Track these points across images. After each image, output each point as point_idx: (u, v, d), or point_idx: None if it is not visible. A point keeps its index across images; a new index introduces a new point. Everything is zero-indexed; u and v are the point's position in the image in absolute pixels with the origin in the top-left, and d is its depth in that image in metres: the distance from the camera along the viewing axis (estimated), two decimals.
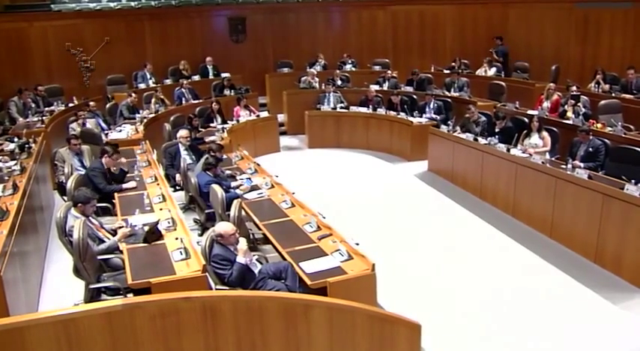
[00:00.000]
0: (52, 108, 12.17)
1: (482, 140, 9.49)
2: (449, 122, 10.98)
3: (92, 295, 5.56)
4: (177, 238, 5.79)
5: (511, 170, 8.66)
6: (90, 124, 10.78)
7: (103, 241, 6.01)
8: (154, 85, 13.78)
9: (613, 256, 6.93)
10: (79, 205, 6.05)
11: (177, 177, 8.85)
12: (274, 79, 15.30)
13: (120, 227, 6.22)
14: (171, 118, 11.01)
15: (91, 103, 11.64)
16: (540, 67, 14.55)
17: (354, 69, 15.87)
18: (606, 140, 8.39)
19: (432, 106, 12.09)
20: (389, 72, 14.72)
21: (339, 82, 14.32)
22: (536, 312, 6.16)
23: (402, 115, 12.13)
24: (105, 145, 8.62)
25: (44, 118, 11.17)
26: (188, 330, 3.94)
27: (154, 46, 15.18)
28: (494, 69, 14.66)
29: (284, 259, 5.82)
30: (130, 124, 11.19)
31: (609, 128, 9.22)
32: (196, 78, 14.60)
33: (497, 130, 9.68)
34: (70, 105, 12.41)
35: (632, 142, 8.35)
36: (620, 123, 9.41)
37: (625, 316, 6.08)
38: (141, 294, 4.70)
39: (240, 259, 5.43)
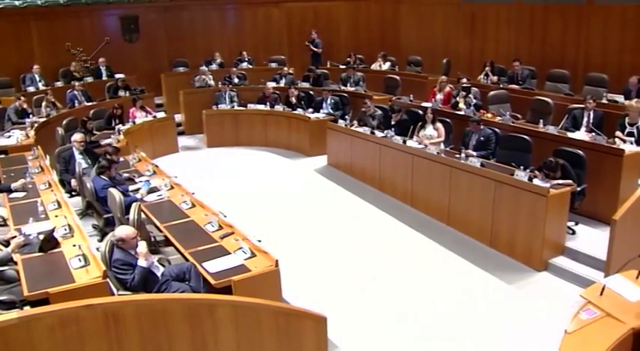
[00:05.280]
0: None
1: (379, 133, 9.68)
2: (346, 117, 11.14)
3: None
4: (75, 245, 5.60)
5: (408, 161, 8.88)
6: None
7: None
8: (44, 88, 13.18)
9: (506, 240, 7.26)
10: None
11: (73, 182, 8.58)
12: (170, 79, 15.01)
13: (13, 237, 5.93)
14: (64, 122, 10.61)
15: None
16: (432, 60, 15.01)
17: (250, 66, 15.82)
18: (496, 129, 8.73)
19: (329, 101, 12.20)
20: (285, 68, 14.83)
21: (235, 80, 14.25)
22: (437, 296, 6.38)
23: (300, 111, 12.22)
24: None
25: None
26: (90, 338, 3.83)
27: (42, 47, 14.51)
28: (388, 63, 14.99)
29: (187, 260, 5.75)
30: (20, 129, 10.69)
31: (499, 118, 9.56)
32: (89, 80, 14.10)
33: (393, 122, 9.89)
34: None
35: (519, 131, 8.72)
36: (508, 112, 9.81)
37: (518, 294, 6.42)
38: (39, 306, 4.52)
39: (142, 262, 5.33)
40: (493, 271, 6.89)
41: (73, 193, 8.64)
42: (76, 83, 13.00)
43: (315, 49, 16.20)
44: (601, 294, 4.44)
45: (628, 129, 8.37)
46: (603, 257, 6.08)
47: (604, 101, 9.80)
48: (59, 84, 13.81)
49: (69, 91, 12.83)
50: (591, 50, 12.38)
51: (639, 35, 11.47)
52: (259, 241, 5.79)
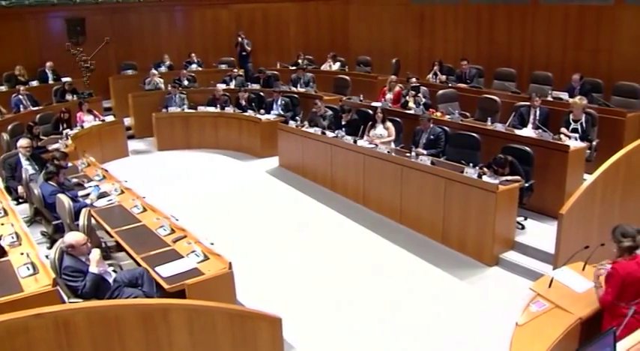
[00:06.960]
0: None
1: (329, 133, 9.72)
2: (297, 117, 11.15)
3: None
4: (22, 254, 5.46)
5: (359, 161, 8.93)
6: None
7: None
8: None
9: (457, 236, 7.37)
10: None
11: (20, 189, 8.39)
12: (118, 82, 14.76)
13: None
14: (9, 127, 10.35)
15: None
16: (381, 60, 15.10)
17: (200, 68, 15.70)
18: (446, 127, 8.85)
19: (279, 102, 12.17)
20: (235, 70, 14.79)
21: (185, 83, 14.13)
22: (390, 294, 6.44)
23: (250, 112, 12.17)
24: None
25: None
26: (40, 348, 3.73)
27: None
28: (338, 64, 15.05)
29: (139, 265, 5.67)
30: None
31: (448, 116, 9.67)
32: (35, 83, 13.77)
33: (343, 122, 9.94)
34: None
35: (468, 128, 8.84)
36: (457, 111, 9.95)
37: (471, 289, 6.53)
38: None
39: (93, 269, 5.23)
40: (445, 267, 6.98)
41: (20, 200, 8.43)
42: (21, 87, 12.67)
43: (248, 49, 16.11)
44: (550, 286, 4.56)
45: (572, 125, 8.55)
46: (552, 250, 6.19)
47: (549, 98, 9.99)
48: (3, 88, 13.47)
49: (14, 95, 12.49)
50: (536, 49, 12.61)
51: (581, 34, 11.73)
52: (212, 243, 5.76)
